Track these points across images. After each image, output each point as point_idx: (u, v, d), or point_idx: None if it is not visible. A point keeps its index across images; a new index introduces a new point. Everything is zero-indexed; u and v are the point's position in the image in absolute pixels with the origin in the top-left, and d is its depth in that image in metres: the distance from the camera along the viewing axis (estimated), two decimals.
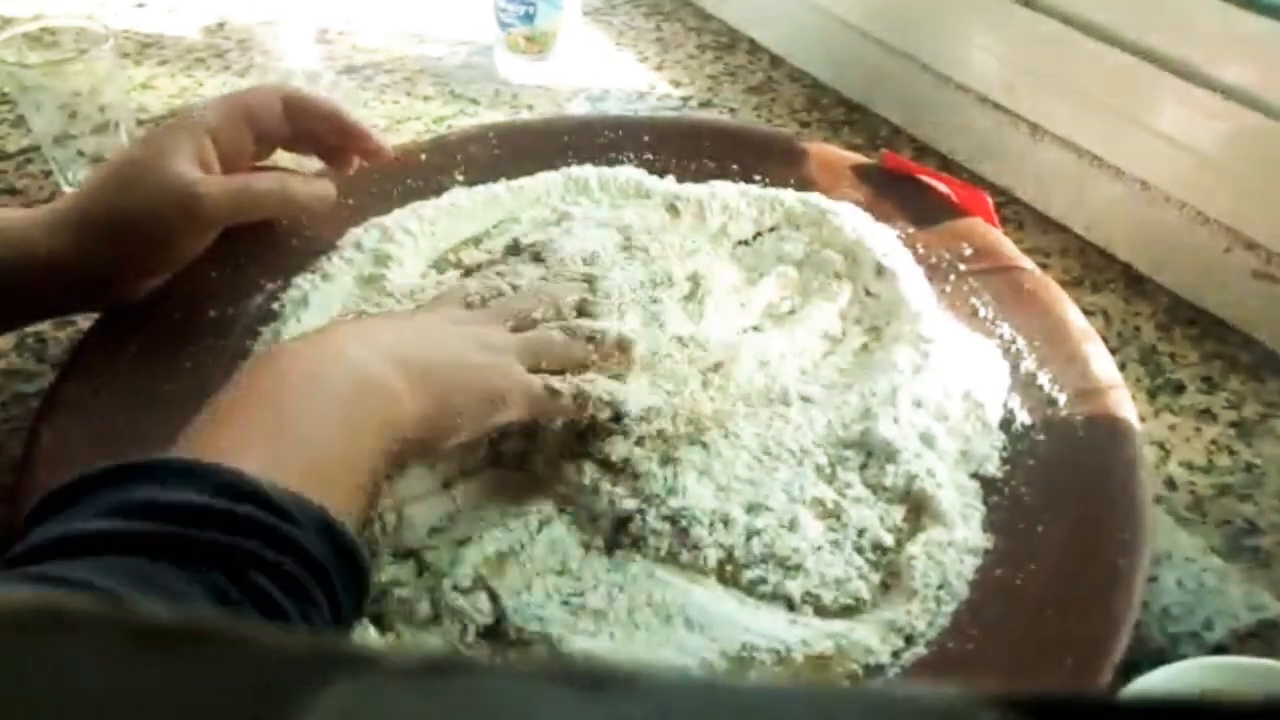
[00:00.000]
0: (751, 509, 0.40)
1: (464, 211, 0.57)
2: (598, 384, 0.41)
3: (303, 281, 0.52)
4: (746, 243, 0.55)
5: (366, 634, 0.36)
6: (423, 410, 0.36)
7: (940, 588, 0.38)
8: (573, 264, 0.46)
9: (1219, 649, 0.39)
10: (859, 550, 0.39)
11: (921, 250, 0.53)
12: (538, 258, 0.47)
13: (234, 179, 0.47)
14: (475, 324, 0.41)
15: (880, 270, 0.51)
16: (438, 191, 0.57)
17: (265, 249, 0.53)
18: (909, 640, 0.37)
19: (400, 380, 0.35)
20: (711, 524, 0.39)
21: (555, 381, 0.40)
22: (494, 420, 0.38)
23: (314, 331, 0.41)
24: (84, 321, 0.52)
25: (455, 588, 0.37)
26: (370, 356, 0.36)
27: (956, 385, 0.45)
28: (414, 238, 0.54)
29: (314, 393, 0.34)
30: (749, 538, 0.39)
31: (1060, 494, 0.41)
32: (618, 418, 0.41)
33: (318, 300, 0.51)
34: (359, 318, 0.46)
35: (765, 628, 0.37)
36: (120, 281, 0.47)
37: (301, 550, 0.28)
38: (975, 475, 0.42)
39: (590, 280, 0.45)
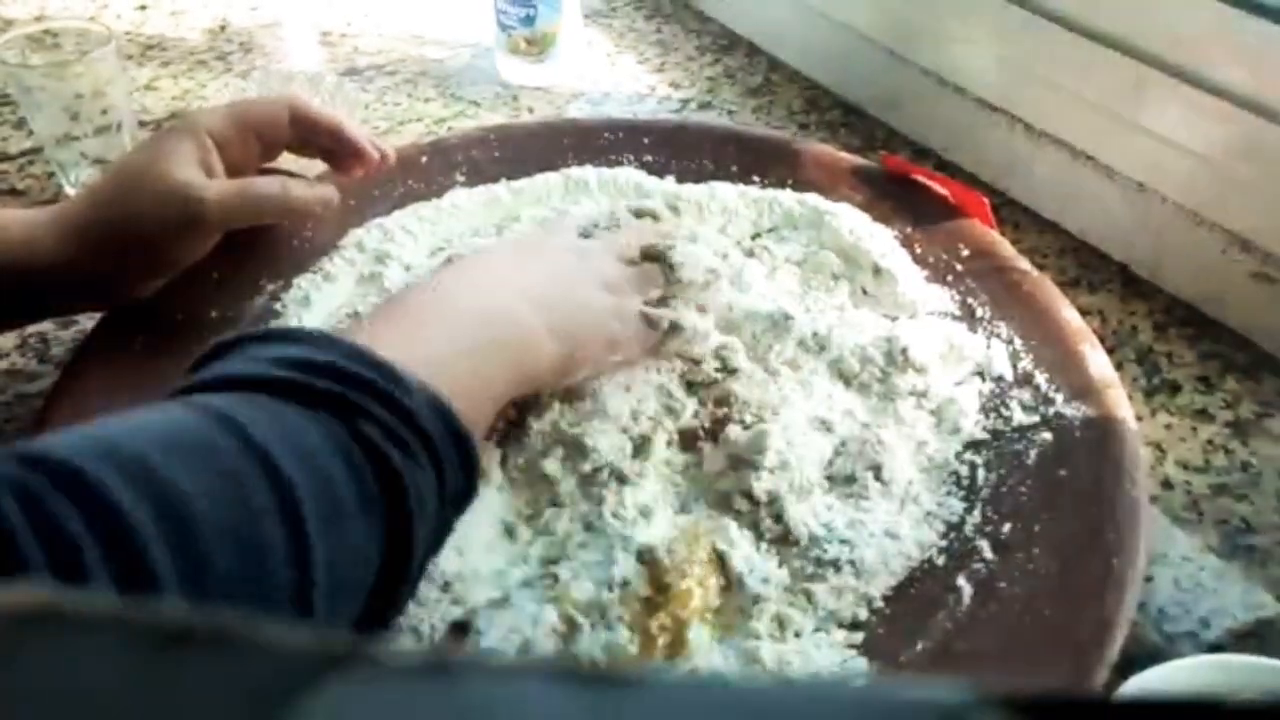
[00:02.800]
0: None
1: (464, 212, 0.57)
2: (687, 318, 0.44)
3: (304, 282, 0.52)
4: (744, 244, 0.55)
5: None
6: (558, 352, 0.40)
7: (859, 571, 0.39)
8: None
9: (1215, 648, 0.39)
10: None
11: (919, 251, 0.53)
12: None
13: (236, 183, 0.47)
14: (594, 257, 0.45)
15: (878, 271, 0.51)
16: (439, 193, 0.58)
17: (267, 249, 0.53)
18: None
19: (538, 322, 0.39)
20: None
21: (654, 314, 0.44)
22: (611, 361, 0.43)
23: (454, 267, 0.45)
24: (86, 321, 0.52)
25: None
26: (508, 295, 0.40)
27: (949, 383, 0.45)
28: (414, 237, 0.55)
29: (455, 318, 0.38)
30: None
31: (1057, 493, 0.41)
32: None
33: (319, 300, 0.51)
34: (483, 252, 0.48)
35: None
36: (123, 283, 0.48)
37: (411, 416, 0.31)
38: (955, 474, 0.43)
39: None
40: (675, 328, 0.44)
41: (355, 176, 0.52)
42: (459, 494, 0.34)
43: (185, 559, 0.26)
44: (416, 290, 0.41)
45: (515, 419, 0.43)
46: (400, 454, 0.31)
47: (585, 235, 0.48)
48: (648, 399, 0.44)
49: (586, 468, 0.41)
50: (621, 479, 0.41)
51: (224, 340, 0.34)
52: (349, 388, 0.31)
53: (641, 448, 0.42)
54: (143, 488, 0.26)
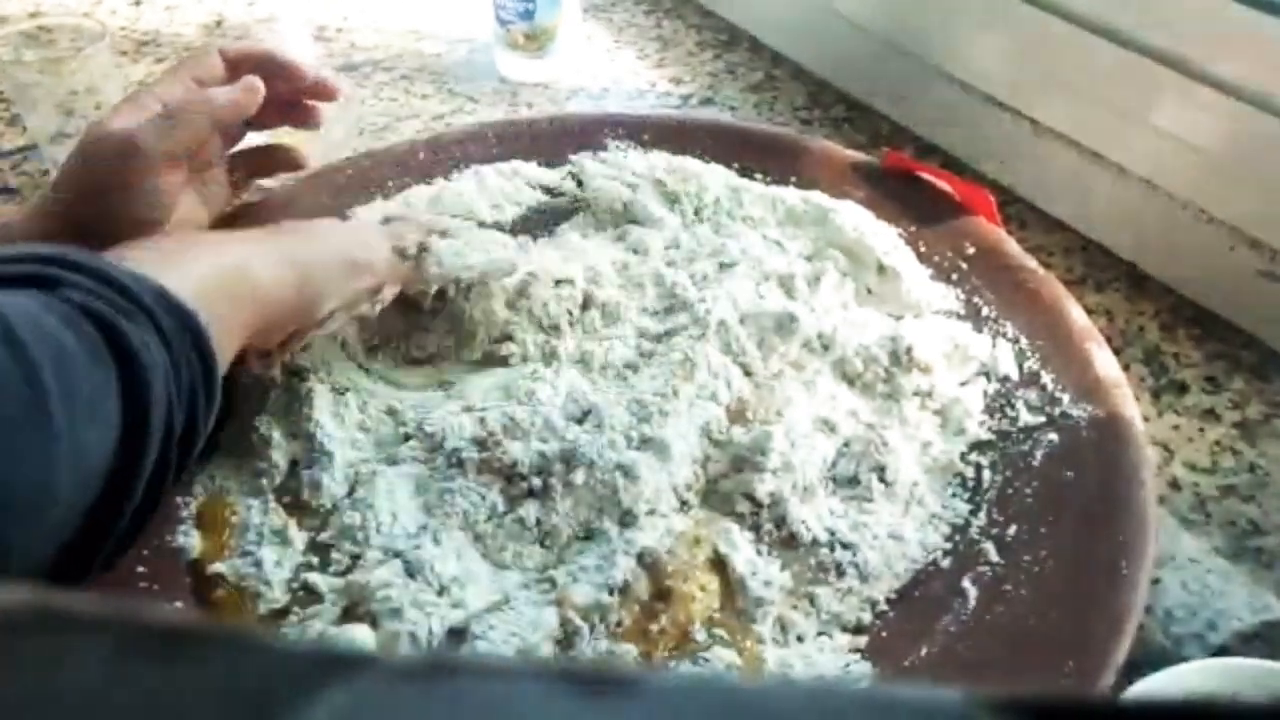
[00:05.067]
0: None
1: (460, 202, 0.57)
2: (437, 243, 0.47)
3: None
4: None
5: (358, 632, 0.36)
6: (291, 276, 0.41)
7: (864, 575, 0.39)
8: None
9: (1222, 650, 0.38)
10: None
11: (924, 249, 0.52)
12: None
13: (163, 111, 0.48)
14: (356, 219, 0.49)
15: (882, 269, 0.51)
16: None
17: None
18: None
19: (270, 253, 0.42)
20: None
21: (402, 240, 0.47)
22: (355, 286, 0.44)
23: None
24: None
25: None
26: (253, 243, 0.42)
27: (954, 383, 0.45)
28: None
29: (193, 253, 0.40)
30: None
31: (1063, 495, 0.40)
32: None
33: None
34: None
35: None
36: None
37: (125, 289, 0.34)
38: (959, 475, 0.42)
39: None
40: (424, 250, 0.46)
41: (315, 122, 0.53)
42: (196, 380, 0.35)
43: None
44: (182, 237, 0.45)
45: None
46: (113, 311, 0.33)
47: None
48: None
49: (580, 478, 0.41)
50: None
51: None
52: (58, 268, 0.33)
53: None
54: None
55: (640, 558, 0.38)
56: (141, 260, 0.37)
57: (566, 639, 0.36)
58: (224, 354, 0.38)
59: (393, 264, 0.46)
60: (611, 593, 0.37)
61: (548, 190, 0.58)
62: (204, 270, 0.39)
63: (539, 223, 0.57)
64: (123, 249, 0.39)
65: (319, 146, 0.58)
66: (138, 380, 0.32)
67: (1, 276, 0.33)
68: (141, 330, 0.33)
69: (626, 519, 0.40)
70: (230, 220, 0.53)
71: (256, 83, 0.49)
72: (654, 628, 0.37)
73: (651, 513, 0.40)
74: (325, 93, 0.52)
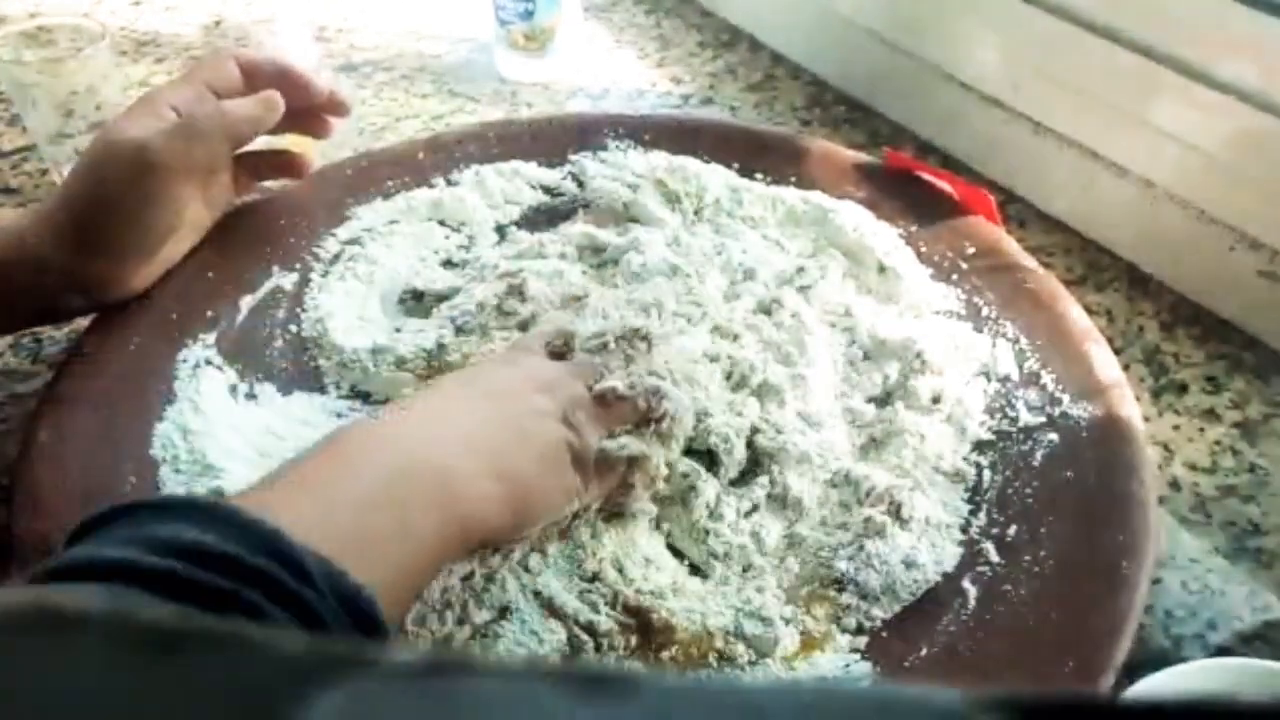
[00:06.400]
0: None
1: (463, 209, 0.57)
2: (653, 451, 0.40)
3: (297, 279, 0.52)
4: None
5: None
6: (502, 495, 0.36)
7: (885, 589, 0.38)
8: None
9: (1222, 651, 0.38)
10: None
11: (924, 249, 0.52)
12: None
13: (179, 121, 0.47)
14: (560, 389, 0.40)
15: (882, 269, 0.51)
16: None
17: (259, 247, 0.53)
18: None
19: (475, 467, 0.36)
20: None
21: (613, 451, 0.39)
22: (570, 508, 0.39)
23: (401, 405, 0.41)
24: (80, 322, 0.52)
25: None
26: (446, 443, 0.36)
27: (954, 384, 0.45)
28: (410, 237, 0.54)
29: (377, 474, 0.34)
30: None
31: (1063, 495, 0.40)
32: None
33: (313, 297, 0.51)
34: (437, 386, 0.43)
35: None
36: (111, 264, 0.47)
37: (308, 609, 0.28)
38: (959, 475, 0.42)
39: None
40: (637, 461, 0.40)
41: (325, 132, 0.53)
42: None
43: None
44: (341, 440, 0.35)
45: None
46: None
47: (558, 350, 0.43)
48: None
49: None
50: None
51: (111, 509, 0.29)
52: (239, 581, 0.27)
53: None
54: None
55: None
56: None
57: (573, 652, 0.36)
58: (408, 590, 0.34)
59: (603, 482, 0.39)
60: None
61: (548, 190, 0.58)
62: (390, 503, 0.33)
63: (539, 223, 0.57)
64: (293, 485, 0.32)
65: (320, 147, 0.58)
66: None
67: (192, 582, 0.27)
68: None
69: None
70: (232, 220, 0.53)
71: (277, 99, 0.49)
72: (664, 655, 0.37)
73: None
74: (337, 107, 0.52)
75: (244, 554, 0.27)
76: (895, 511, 0.40)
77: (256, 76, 0.50)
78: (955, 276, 0.51)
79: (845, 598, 0.38)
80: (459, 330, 0.48)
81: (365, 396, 0.48)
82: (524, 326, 0.47)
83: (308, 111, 0.52)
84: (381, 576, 0.31)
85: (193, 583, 0.26)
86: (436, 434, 0.36)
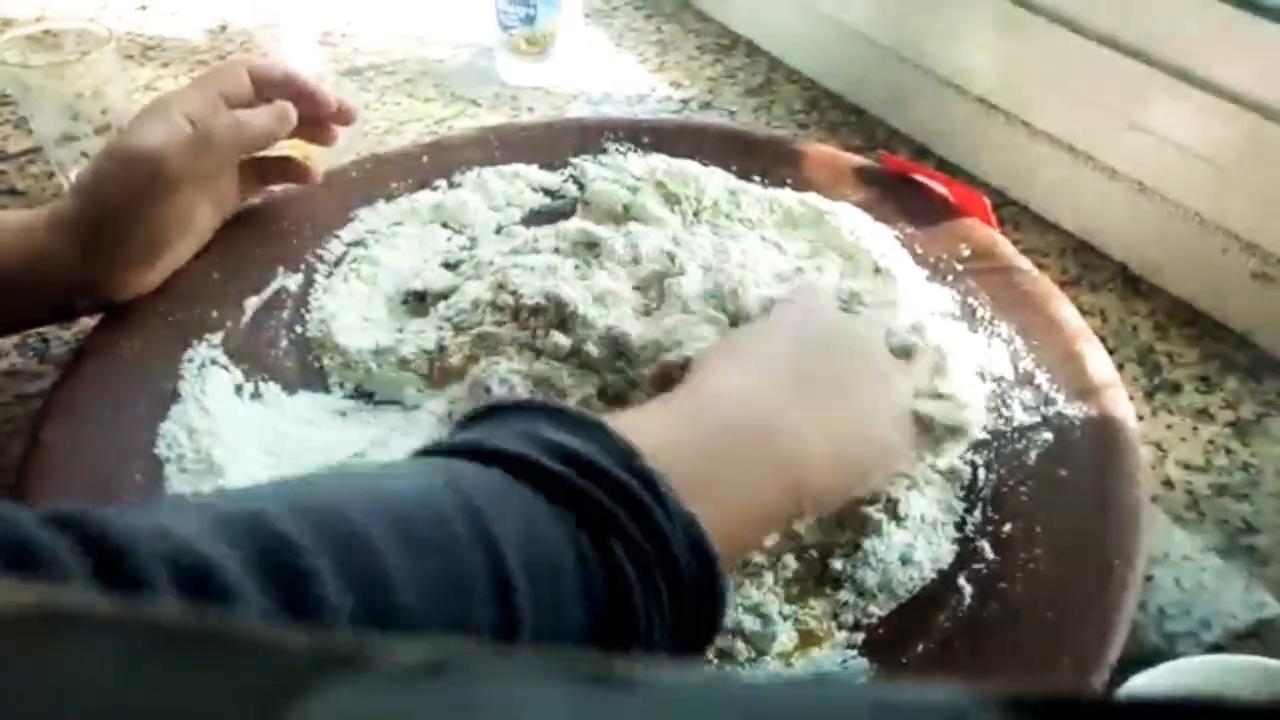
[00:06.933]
0: None
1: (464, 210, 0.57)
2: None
3: (302, 280, 0.52)
4: None
5: None
6: (839, 485, 0.38)
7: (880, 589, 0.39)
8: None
9: (1216, 648, 0.39)
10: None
11: (919, 251, 0.53)
12: None
13: (193, 131, 0.47)
14: (892, 381, 0.42)
15: (878, 271, 0.51)
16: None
17: (264, 249, 0.53)
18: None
19: (825, 450, 0.37)
20: None
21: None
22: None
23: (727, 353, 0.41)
24: (86, 321, 0.52)
25: None
26: (798, 413, 0.37)
27: (951, 383, 0.45)
28: (415, 238, 0.55)
29: (736, 428, 0.35)
30: None
31: (1057, 494, 0.41)
32: None
33: (318, 299, 0.52)
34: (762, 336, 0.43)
35: None
36: (120, 269, 0.47)
37: (664, 541, 0.29)
38: (955, 474, 0.43)
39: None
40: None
41: (332, 140, 0.53)
42: (691, 636, 0.31)
43: None
44: (696, 385, 0.37)
45: None
46: (641, 589, 0.28)
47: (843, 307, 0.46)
48: None
49: None
50: None
51: (504, 403, 0.33)
52: (608, 495, 0.28)
53: None
54: (355, 576, 0.25)
55: None
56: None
57: None
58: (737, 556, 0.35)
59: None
60: None
61: (549, 193, 0.59)
62: (748, 469, 0.34)
63: (539, 225, 0.57)
64: (658, 420, 0.34)
65: (324, 150, 0.58)
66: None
67: (569, 486, 0.29)
68: (655, 613, 0.29)
69: None
70: (238, 223, 0.53)
71: (291, 112, 0.49)
72: None
73: None
74: (345, 117, 0.53)
75: (616, 469, 0.29)
76: (892, 510, 0.40)
77: (267, 86, 0.50)
78: (950, 278, 0.51)
79: (842, 595, 0.39)
80: (457, 329, 0.48)
81: (369, 396, 0.48)
82: (517, 318, 0.47)
83: (316, 119, 0.52)
84: (724, 530, 0.31)
85: (570, 486, 0.28)
86: (790, 404, 0.37)
